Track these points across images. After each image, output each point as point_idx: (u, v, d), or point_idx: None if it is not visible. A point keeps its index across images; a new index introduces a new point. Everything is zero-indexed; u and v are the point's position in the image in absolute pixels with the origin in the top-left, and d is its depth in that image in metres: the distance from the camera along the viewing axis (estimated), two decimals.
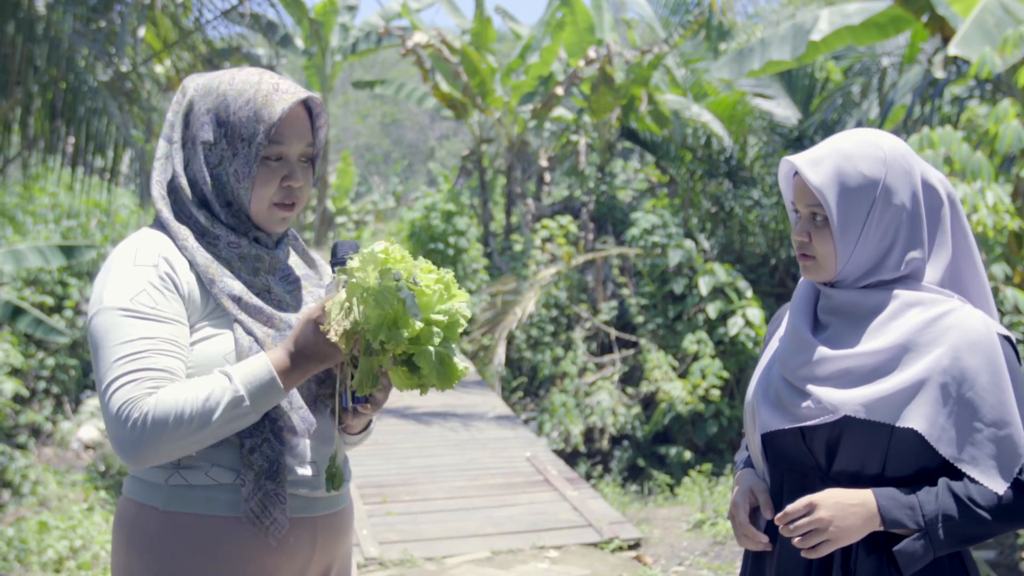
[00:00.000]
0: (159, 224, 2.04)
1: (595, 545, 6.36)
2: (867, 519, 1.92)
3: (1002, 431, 1.92)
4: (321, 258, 2.31)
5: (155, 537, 1.95)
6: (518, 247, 13.77)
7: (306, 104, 2.05)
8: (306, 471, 2.05)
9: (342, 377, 2.04)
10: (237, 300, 1.99)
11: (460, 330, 1.98)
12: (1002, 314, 5.75)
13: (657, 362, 11.08)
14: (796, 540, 1.94)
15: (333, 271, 2.06)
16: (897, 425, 1.92)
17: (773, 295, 12.30)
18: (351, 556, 2.23)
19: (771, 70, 9.93)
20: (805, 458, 2.04)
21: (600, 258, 12.78)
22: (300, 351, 1.92)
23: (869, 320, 2.01)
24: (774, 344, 2.18)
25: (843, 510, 1.92)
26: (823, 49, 9.30)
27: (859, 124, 11.18)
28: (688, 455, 10.60)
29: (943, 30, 8.34)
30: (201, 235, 2.02)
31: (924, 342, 1.95)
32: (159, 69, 9.46)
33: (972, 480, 1.93)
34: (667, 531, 7.07)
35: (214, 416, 1.85)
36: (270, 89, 2.00)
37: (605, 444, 11.24)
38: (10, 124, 7.81)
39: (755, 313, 10.74)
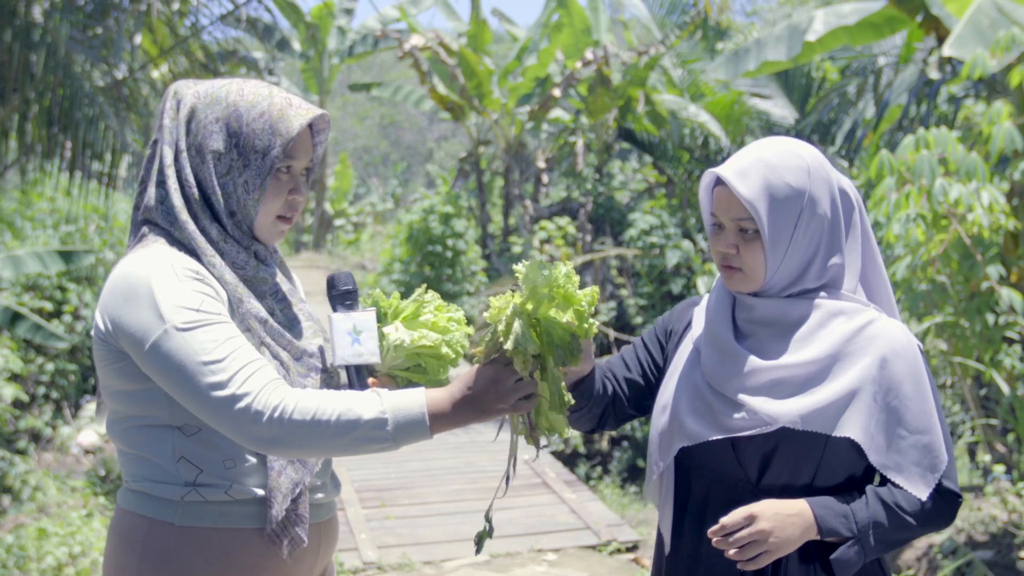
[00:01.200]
0: (167, 235, 1.99)
1: (593, 548, 6.38)
2: (804, 529, 1.96)
3: (924, 438, 1.98)
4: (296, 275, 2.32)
5: (171, 553, 1.95)
6: (516, 249, 13.79)
7: None
8: (314, 480, 2.11)
9: (516, 428, 2.00)
10: (263, 323, 1.99)
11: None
12: (996, 314, 5.76)
13: None
14: (732, 552, 1.95)
15: (334, 305, 2.08)
16: (834, 435, 1.96)
17: None
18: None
19: (766, 71, 9.93)
20: (734, 470, 2.05)
21: (598, 259, 12.79)
22: (471, 399, 1.89)
23: (794, 330, 2.03)
24: (687, 348, 2.18)
25: (782, 521, 1.94)
26: (818, 49, 9.30)
27: (855, 124, 11.19)
28: None
29: (938, 30, 8.35)
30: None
31: (852, 352, 1.99)
32: (155, 74, 9.48)
33: (896, 486, 1.99)
34: None
35: (353, 429, 1.83)
36: (284, 103, 2.01)
37: (604, 445, 11.25)
38: (8, 130, 7.83)
39: None
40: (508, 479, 2.04)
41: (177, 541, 1.95)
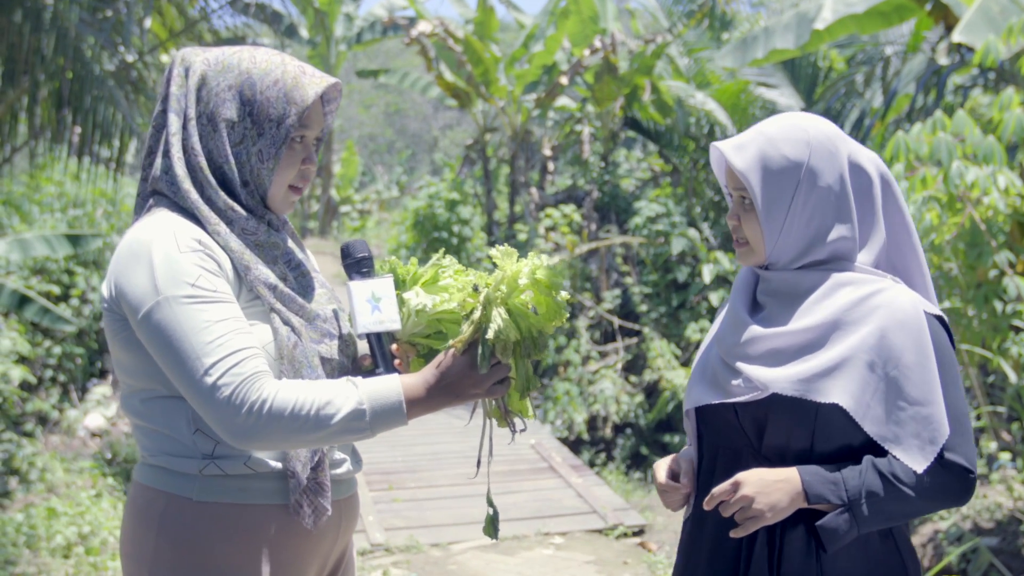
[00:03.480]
0: (174, 206, 1.96)
1: (600, 532, 6.41)
2: (793, 495, 1.94)
3: (925, 410, 1.94)
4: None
5: (189, 528, 1.92)
6: (522, 236, 13.79)
7: None
8: (335, 455, 2.09)
9: (489, 411, 2.05)
10: (273, 288, 1.96)
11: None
12: (1004, 303, 5.77)
13: (660, 350, 11.11)
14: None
15: (350, 274, 2.06)
16: (822, 402, 1.95)
17: None
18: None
19: (775, 59, 9.93)
20: (738, 434, 2.08)
21: (603, 247, 12.80)
22: (446, 385, 1.91)
23: (803, 300, 2.04)
24: (717, 324, 2.23)
25: (767, 487, 1.94)
26: (827, 38, 9.29)
27: (863, 113, 11.18)
28: None
29: (946, 18, 8.35)
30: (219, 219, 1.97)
31: (852, 320, 1.98)
32: (165, 58, 9.47)
33: (895, 458, 1.96)
34: (671, 518, 7.10)
35: (331, 421, 1.83)
36: (298, 72, 1.99)
37: (608, 432, 11.27)
38: (17, 113, 7.83)
39: None
40: (480, 462, 2.08)
41: (195, 517, 1.92)
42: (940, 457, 1.95)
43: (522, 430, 2.04)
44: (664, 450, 11.00)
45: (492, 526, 2.11)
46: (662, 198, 12.63)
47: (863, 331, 1.96)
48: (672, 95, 13.43)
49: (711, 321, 11.15)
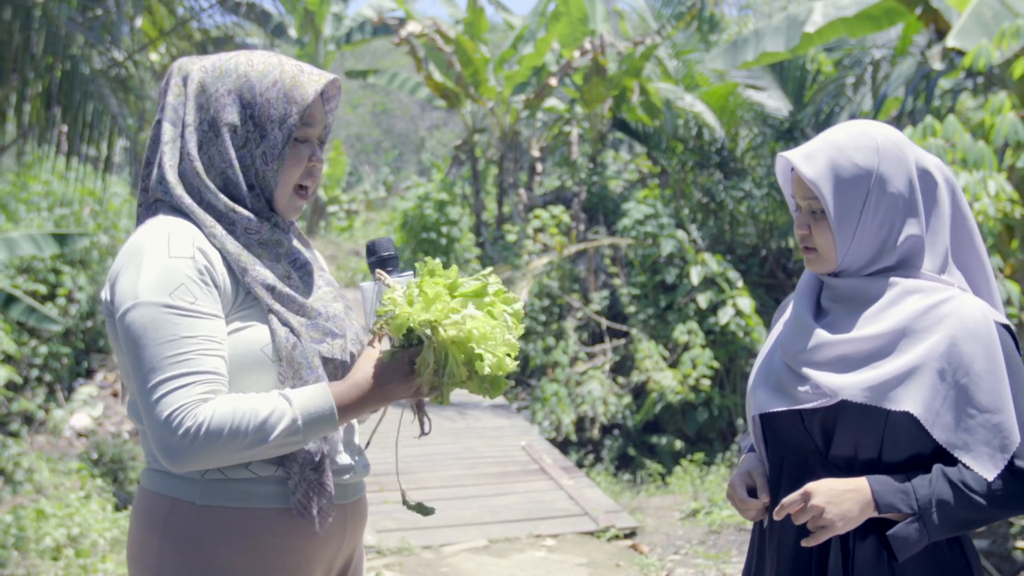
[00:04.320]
0: (174, 211, 1.97)
1: (591, 534, 6.41)
2: (863, 505, 1.95)
3: (995, 417, 1.95)
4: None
5: (193, 532, 1.93)
6: (511, 237, 13.79)
7: None
8: (341, 459, 2.08)
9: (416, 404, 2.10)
10: (271, 289, 1.96)
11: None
12: None
13: (648, 352, 11.11)
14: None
15: (373, 271, 2.06)
16: (892, 409, 1.95)
17: (763, 285, 12.36)
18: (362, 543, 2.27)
19: (765, 61, 9.97)
20: (805, 441, 2.08)
21: (592, 248, 12.80)
22: (379, 392, 1.93)
23: (868, 306, 2.04)
24: (778, 329, 2.22)
25: (837, 496, 1.95)
26: (816, 41, 9.34)
27: (852, 117, 11.22)
28: (678, 444, 10.66)
29: (936, 22, 8.40)
30: (218, 221, 1.97)
31: (921, 328, 1.98)
32: (153, 57, 9.43)
33: (965, 466, 1.96)
34: (661, 520, 7.11)
35: (269, 438, 1.84)
36: (296, 71, 1.99)
37: (596, 433, 11.27)
38: (5, 111, 7.78)
39: (746, 303, 10.79)
40: (368, 444, 2.21)
41: (199, 521, 1.93)
42: (1010, 465, 1.97)
43: (427, 433, 2.09)
44: (651, 451, 11.02)
45: (421, 509, 2.19)
46: (650, 200, 12.65)
47: (933, 339, 1.97)
48: (660, 97, 13.45)
49: (698, 323, 11.18)
